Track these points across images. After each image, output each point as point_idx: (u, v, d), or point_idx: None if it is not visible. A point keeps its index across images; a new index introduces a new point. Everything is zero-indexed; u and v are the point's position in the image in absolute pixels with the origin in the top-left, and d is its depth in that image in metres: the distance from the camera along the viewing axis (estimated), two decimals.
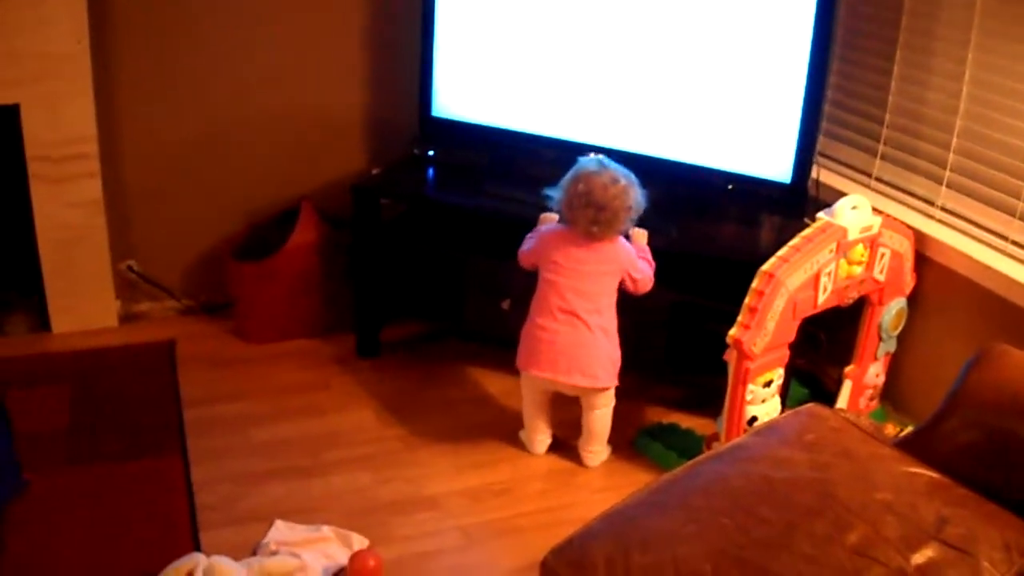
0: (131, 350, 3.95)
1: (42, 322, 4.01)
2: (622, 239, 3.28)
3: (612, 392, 3.37)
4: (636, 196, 3.22)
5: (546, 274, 3.27)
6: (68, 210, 3.83)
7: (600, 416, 3.38)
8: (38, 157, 3.74)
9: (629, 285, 3.29)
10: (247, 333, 4.09)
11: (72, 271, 3.94)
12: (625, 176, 3.22)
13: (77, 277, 3.95)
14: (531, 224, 3.41)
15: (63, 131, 3.72)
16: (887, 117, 3.63)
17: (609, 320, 3.27)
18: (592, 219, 3.18)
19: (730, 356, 3.07)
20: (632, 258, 3.29)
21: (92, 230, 3.90)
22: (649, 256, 3.36)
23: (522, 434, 3.50)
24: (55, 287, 3.95)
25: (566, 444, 3.48)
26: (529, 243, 3.38)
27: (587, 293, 3.23)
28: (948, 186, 3.41)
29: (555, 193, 3.27)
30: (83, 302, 4.01)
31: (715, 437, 3.26)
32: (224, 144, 4.07)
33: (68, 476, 3.18)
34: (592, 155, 3.36)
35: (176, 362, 3.89)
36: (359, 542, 2.96)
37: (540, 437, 3.46)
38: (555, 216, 3.34)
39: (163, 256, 4.17)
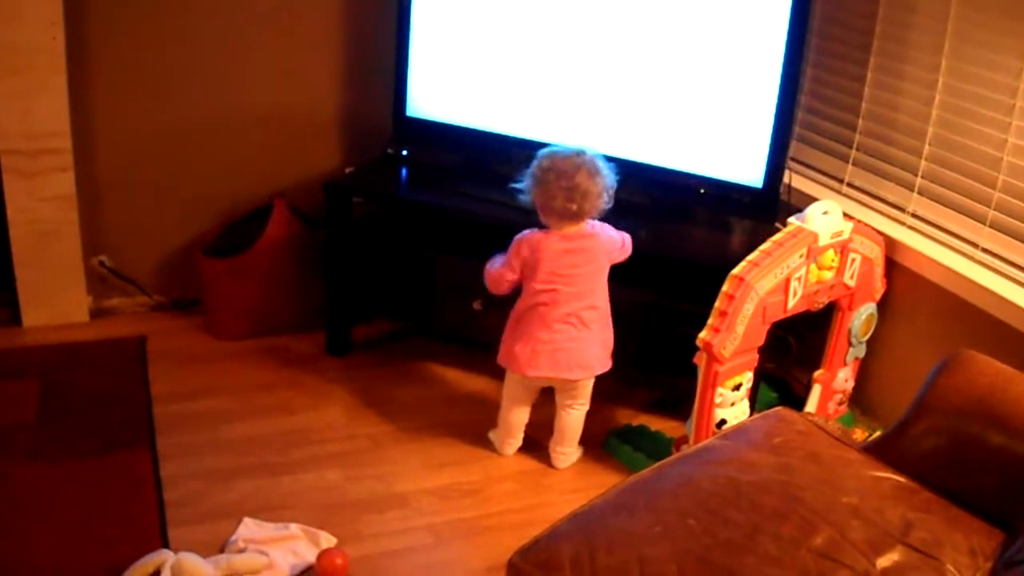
0: (102, 345, 3.93)
1: (13, 315, 4.00)
2: (600, 225, 3.27)
3: (590, 389, 3.38)
4: (603, 169, 3.19)
5: (541, 286, 3.20)
6: (40, 204, 3.82)
7: (575, 416, 3.39)
8: (11, 151, 3.72)
9: (618, 259, 3.32)
10: (218, 330, 4.08)
11: (44, 265, 3.92)
12: (587, 152, 3.20)
13: (49, 271, 3.94)
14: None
15: (36, 125, 3.70)
16: (860, 123, 3.65)
17: (603, 308, 3.29)
18: (567, 195, 3.13)
19: (700, 359, 3.08)
20: (614, 242, 3.28)
21: (64, 224, 3.89)
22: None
23: (493, 435, 3.51)
24: (26, 281, 3.93)
25: (536, 445, 3.49)
26: (503, 261, 3.29)
27: (584, 293, 3.23)
28: (919, 193, 3.43)
29: (523, 183, 3.23)
30: (54, 296, 3.99)
31: (684, 439, 3.27)
32: (198, 140, 4.06)
33: (36, 471, 3.16)
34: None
35: (146, 358, 3.87)
36: (327, 540, 2.96)
37: (512, 441, 3.47)
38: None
39: (135, 251, 4.16)
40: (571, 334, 3.23)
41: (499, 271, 3.29)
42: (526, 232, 3.26)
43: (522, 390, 3.38)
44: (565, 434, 3.42)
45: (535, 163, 3.21)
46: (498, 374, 3.41)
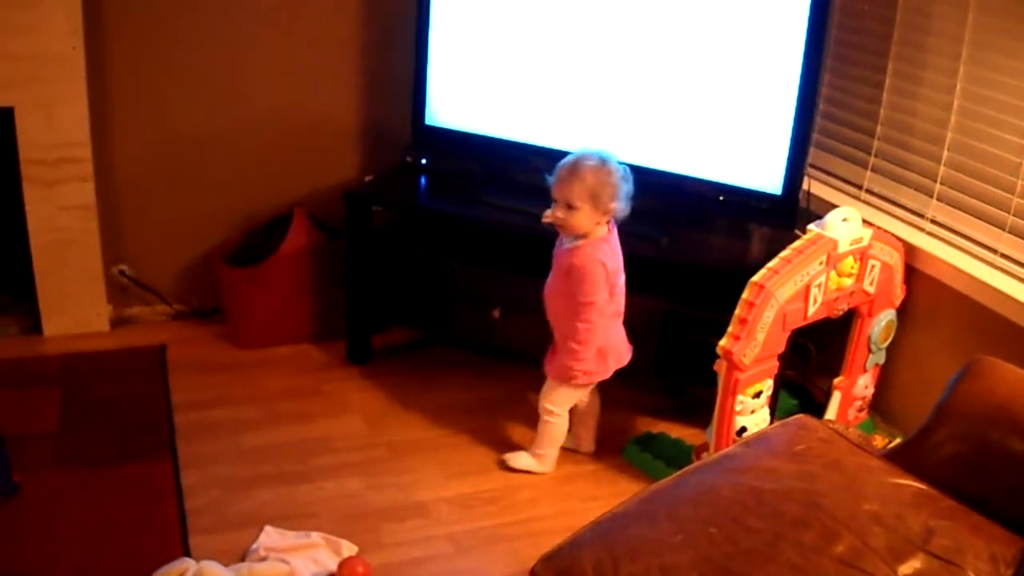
0: (122, 354, 3.95)
1: (34, 324, 4.01)
2: None
3: None
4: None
5: (616, 291, 3.22)
6: (61, 213, 3.84)
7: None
8: (32, 160, 3.74)
9: None
10: (238, 338, 4.10)
11: (64, 274, 3.94)
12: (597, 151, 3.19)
13: (69, 280, 3.95)
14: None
15: (57, 134, 3.72)
16: (878, 129, 3.65)
17: None
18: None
19: (720, 367, 3.07)
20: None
21: (85, 233, 3.90)
22: None
23: (547, 454, 3.46)
24: (47, 290, 3.95)
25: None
26: (588, 313, 3.19)
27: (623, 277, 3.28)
28: (938, 199, 3.42)
29: (621, 202, 3.13)
30: (75, 305, 4.01)
31: (704, 447, 3.27)
32: (217, 150, 4.08)
33: (57, 479, 3.17)
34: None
35: (167, 366, 3.89)
36: (348, 549, 2.96)
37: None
38: None
39: (155, 260, 4.18)
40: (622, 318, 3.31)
41: (592, 307, 3.17)
42: (588, 248, 3.15)
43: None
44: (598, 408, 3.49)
45: (617, 175, 3.11)
46: (518, 382, 3.41)
